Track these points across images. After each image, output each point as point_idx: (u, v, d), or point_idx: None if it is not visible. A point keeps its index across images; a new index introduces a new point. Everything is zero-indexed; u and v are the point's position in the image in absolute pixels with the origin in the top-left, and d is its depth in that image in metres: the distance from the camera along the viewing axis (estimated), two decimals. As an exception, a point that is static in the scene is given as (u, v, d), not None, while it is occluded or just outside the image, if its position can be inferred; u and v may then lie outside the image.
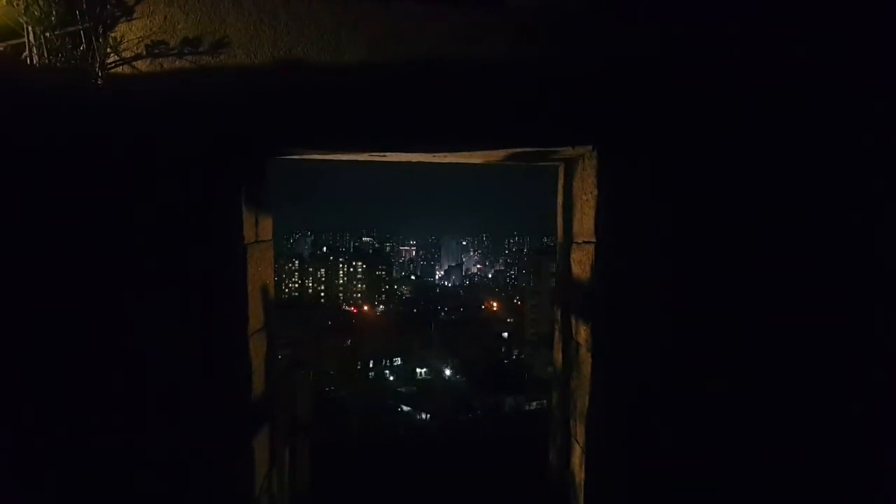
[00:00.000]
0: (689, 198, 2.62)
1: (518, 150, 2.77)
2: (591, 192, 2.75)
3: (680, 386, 2.66)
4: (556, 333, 3.44)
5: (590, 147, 2.71)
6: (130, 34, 2.49)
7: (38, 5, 2.30)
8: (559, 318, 3.39)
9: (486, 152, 2.82)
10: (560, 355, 3.34)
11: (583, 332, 2.89)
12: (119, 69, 2.47)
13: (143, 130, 2.49)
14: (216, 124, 2.53)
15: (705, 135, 2.60)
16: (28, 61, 2.36)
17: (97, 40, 2.40)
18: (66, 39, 2.37)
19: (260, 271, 2.92)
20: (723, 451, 2.66)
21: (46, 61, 2.34)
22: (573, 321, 3.08)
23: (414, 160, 3.13)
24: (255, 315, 2.84)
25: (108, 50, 2.45)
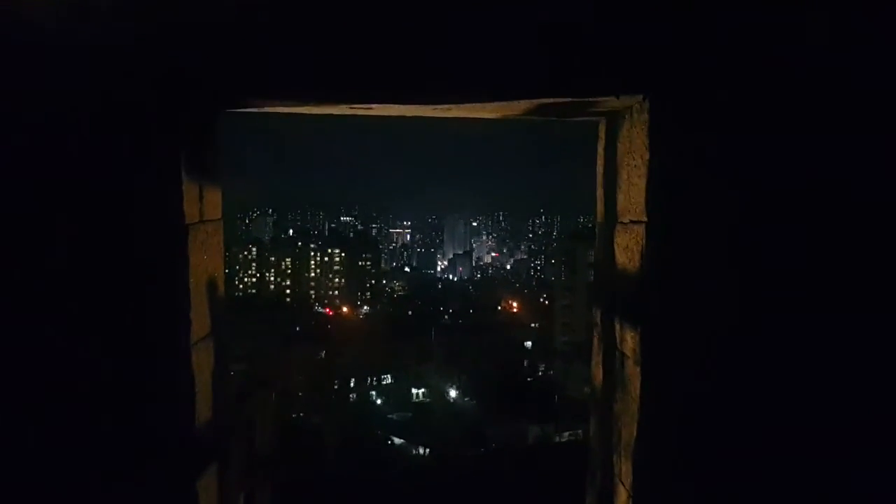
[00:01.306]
0: (775, 166, 2.61)
1: (544, 100, 2.76)
2: (642, 157, 2.75)
3: (763, 416, 2.66)
4: (595, 342, 3.44)
5: (641, 96, 2.70)
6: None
7: None
8: (599, 321, 3.39)
9: (503, 104, 2.81)
10: (600, 370, 3.35)
11: (630, 341, 2.90)
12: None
13: (37, 77, 2.48)
14: (144, 64, 2.52)
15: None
16: None
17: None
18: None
19: (206, 260, 2.93)
20: None
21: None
22: (617, 326, 3.09)
23: (408, 114, 3.12)
24: (200, 318, 2.86)
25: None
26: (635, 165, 2.84)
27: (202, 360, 2.87)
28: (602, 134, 3.30)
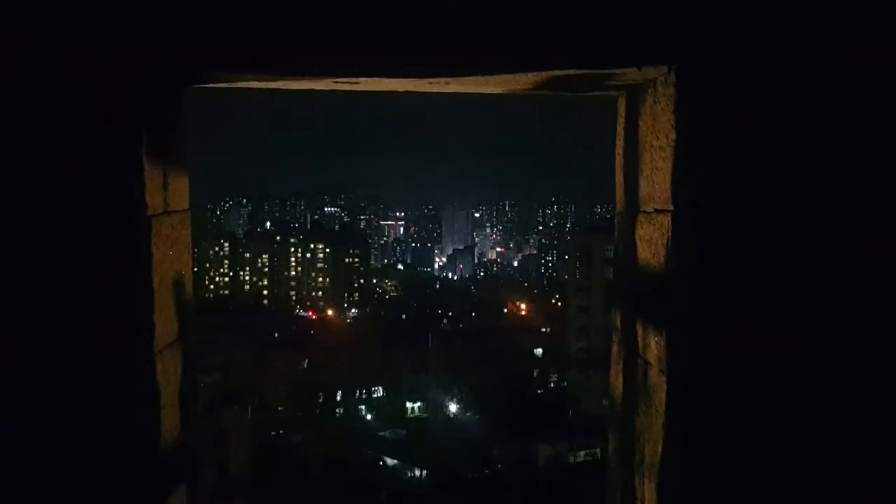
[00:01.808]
0: (824, 150, 2.60)
1: (555, 72, 2.76)
2: (668, 137, 2.74)
3: (804, 432, 2.66)
4: (615, 348, 3.44)
5: (666, 67, 2.70)
6: None
7: None
8: (619, 325, 3.39)
9: (509, 76, 2.81)
10: (620, 380, 3.35)
11: (654, 346, 2.90)
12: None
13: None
14: (93, 35, 2.51)
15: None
16: None
17: None
18: None
19: (171, 257, 2.92)
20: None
21: None
22: (639, 330, 3.09)
23: (400, 89, 3.11)
24: (165, 323, 2.85)
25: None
26: (660, 147, 2.83)
27: (168, 371, 2.87)
28: (621, 111, 3.29)
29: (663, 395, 2.78)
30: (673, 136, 2.70)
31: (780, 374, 2.66)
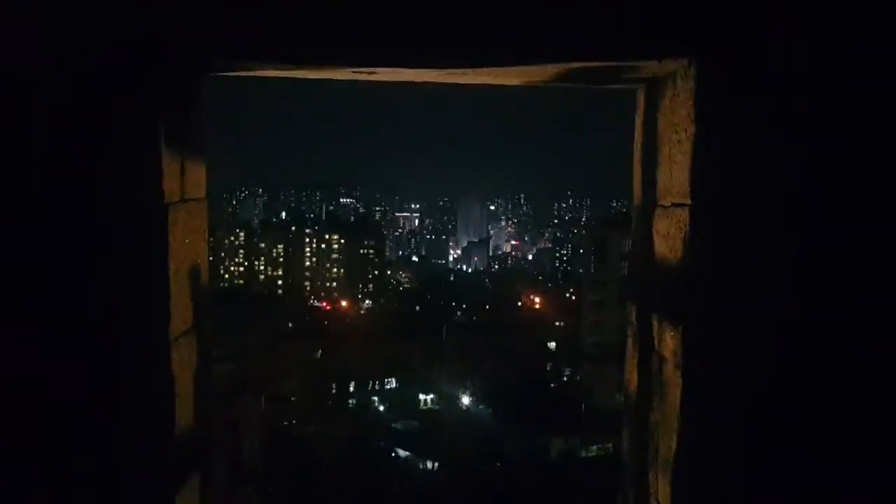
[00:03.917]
0: (849, 144, 2.59)
1: (575, 64, 2.75)
2: (687, 130, 2.73)
3: (822, 430, 2.65)
4: (630, 343, 3.44)
5: (686, 60, 2.69)
6: None
7: None
8: (634, 319, 3.38)
9: (527, 68, 2.80)
10: (635, 375, 3.35)
11: (669, 341, 2.89)
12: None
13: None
14: (111, 21, 2.52)
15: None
16: None
17: None
18: None
19: (188, 245, 2.93)
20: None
21: None
22: (655, 325, 3.08)
23: (418, 80, 3.11)
24: (181, 311, 2.86)
25: None
26: (678, 140, 2.82)
27: (183, 359, 2.88)
28: (641, 104, 3.28)
29: (678, 391, 2.78)
30: (692, 129, 2.69)
31: (799, 371, 2.65)
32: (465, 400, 70.16)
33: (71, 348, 2.60)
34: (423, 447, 55.45)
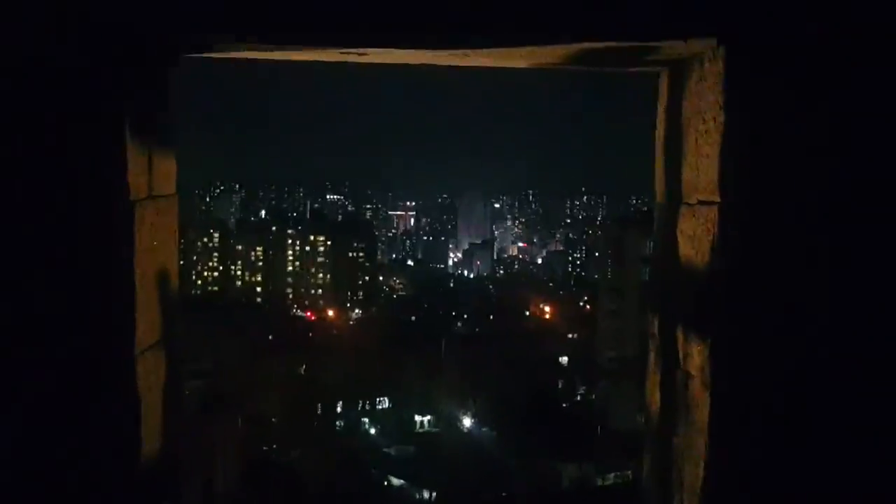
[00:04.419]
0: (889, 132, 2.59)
1: (589, 44, 2.75)
2: (715, 118, 2.74)
3: (866, 458, 2.65)
4: (651, 358, 3.44)
5: (714, 41, 2.69)
6: None
7: None
8: (656, 331, 3.38)
9: (536, 49, 2.81)
10: (657, 394, 3.35)
11: (696, 356, 2.89)
12: None
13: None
14: (76, 3, 2.53)
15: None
16: None
17: None
18: None
19: (156, 247, 2.93)
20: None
21: None
22: (680, 337, 3.08)
23: (413, 62, 3.12)
24: (148, 321, 2.86)
25: None
26: (706, 130, 2.82)
27: (150, 375, 2.88)
28: (664, 89, 3.29)
29: (706, 412, 2.78)
30: (721, 117, 2.70)
31: (846, 394, 2.65)
32: (467, 422, 70.12)
33: (22, 364, 2.60)
34: (419, 475, 55.35)
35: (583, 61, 3.01)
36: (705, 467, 2.78)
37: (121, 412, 2.72)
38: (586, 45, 2.76)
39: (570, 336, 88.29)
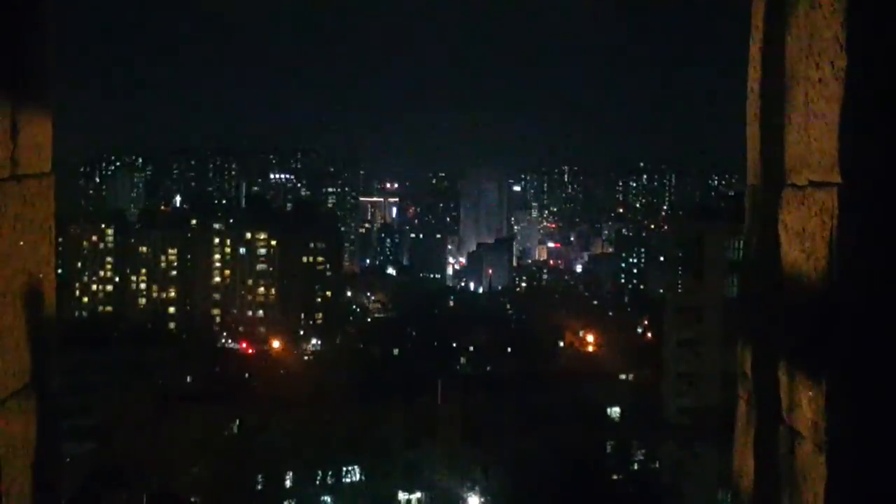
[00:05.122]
0: None
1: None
2: (834, 63, 2.75)
3: None
4: (742, 409, 3.47)
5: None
6: None
7: None
8: (749, 371, 3.40)
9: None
10: (750, 461, 3.37)
11: (807, 407, 2.90)
12: None
13: None
14: None
15: None
16: None
17: None
18: None
19: (22, 250, 2.94)
20: None
21: None
22: (783, 379, 3.09)
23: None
24: (12, 358, 2.87)
25: None
26: (820, 79, 2.83)
27: (14, 433, 2.88)
28: (758, 21, 3.32)
29: (822, 485, 2.79)
30: (843, 61, 2.70)
31: None
32: (475, 501, 70.28)
33: None
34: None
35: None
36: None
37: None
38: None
39: (623, 377, 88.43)
